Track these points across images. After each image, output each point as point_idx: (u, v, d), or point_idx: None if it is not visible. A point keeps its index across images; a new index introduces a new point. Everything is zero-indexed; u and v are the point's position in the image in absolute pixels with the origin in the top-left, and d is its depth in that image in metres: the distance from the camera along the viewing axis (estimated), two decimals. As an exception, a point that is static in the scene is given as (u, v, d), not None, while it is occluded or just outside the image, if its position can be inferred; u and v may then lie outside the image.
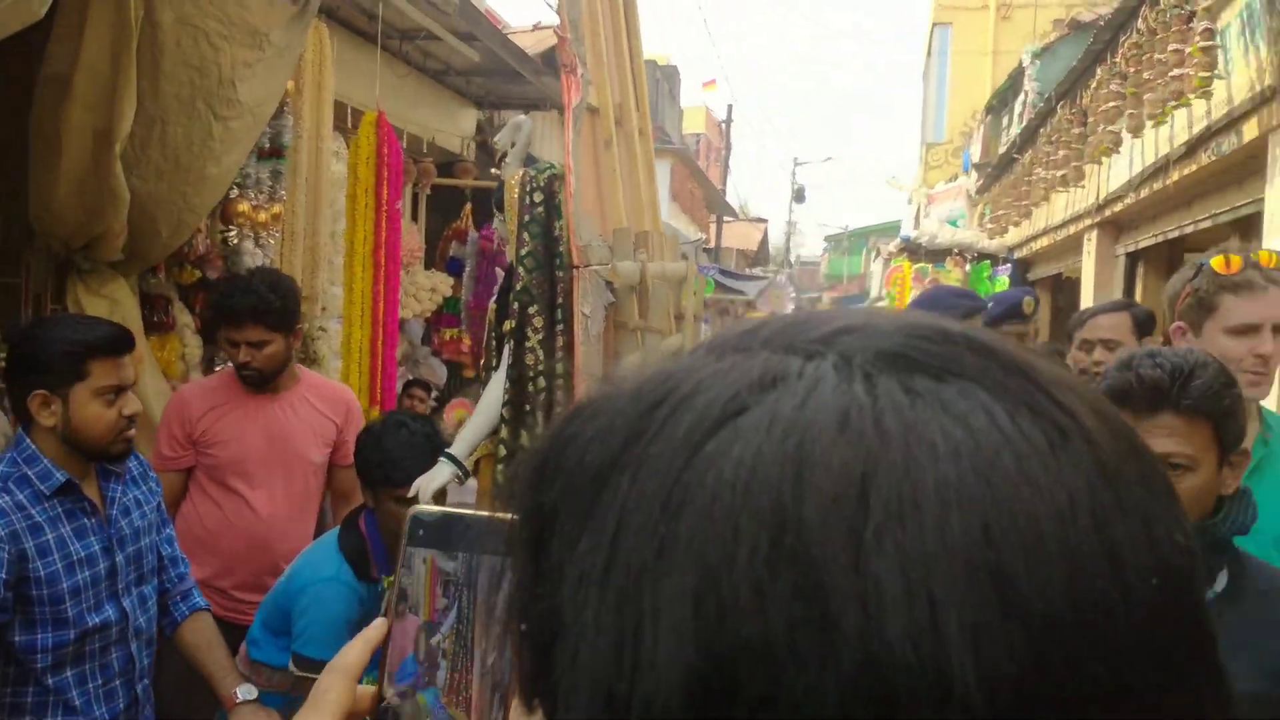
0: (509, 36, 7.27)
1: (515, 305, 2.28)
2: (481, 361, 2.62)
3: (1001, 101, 16.16)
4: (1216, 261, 2.06)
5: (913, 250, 13.19)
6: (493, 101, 7.46)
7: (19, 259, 4.10)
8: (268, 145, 4.36)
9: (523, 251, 2.30)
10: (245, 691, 2.20)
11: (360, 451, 2.47)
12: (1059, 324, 13.18)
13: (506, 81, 6.99)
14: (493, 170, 5.54)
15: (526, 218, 2.31)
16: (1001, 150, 14.75)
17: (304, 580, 2.46)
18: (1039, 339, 10.91)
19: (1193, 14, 5.33)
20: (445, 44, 5.92)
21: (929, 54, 23.09)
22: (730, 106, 23.63)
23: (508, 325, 2.31)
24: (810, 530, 0.27)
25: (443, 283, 6.46)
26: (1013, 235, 12.55)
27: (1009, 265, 12.92)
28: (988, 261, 12.96)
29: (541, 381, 2.25)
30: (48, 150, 3.28)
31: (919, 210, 19.55)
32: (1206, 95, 5.36)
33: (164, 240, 3.88)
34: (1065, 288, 12.56)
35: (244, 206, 4.28)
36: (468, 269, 6.70)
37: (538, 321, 2.24)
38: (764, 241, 29.59)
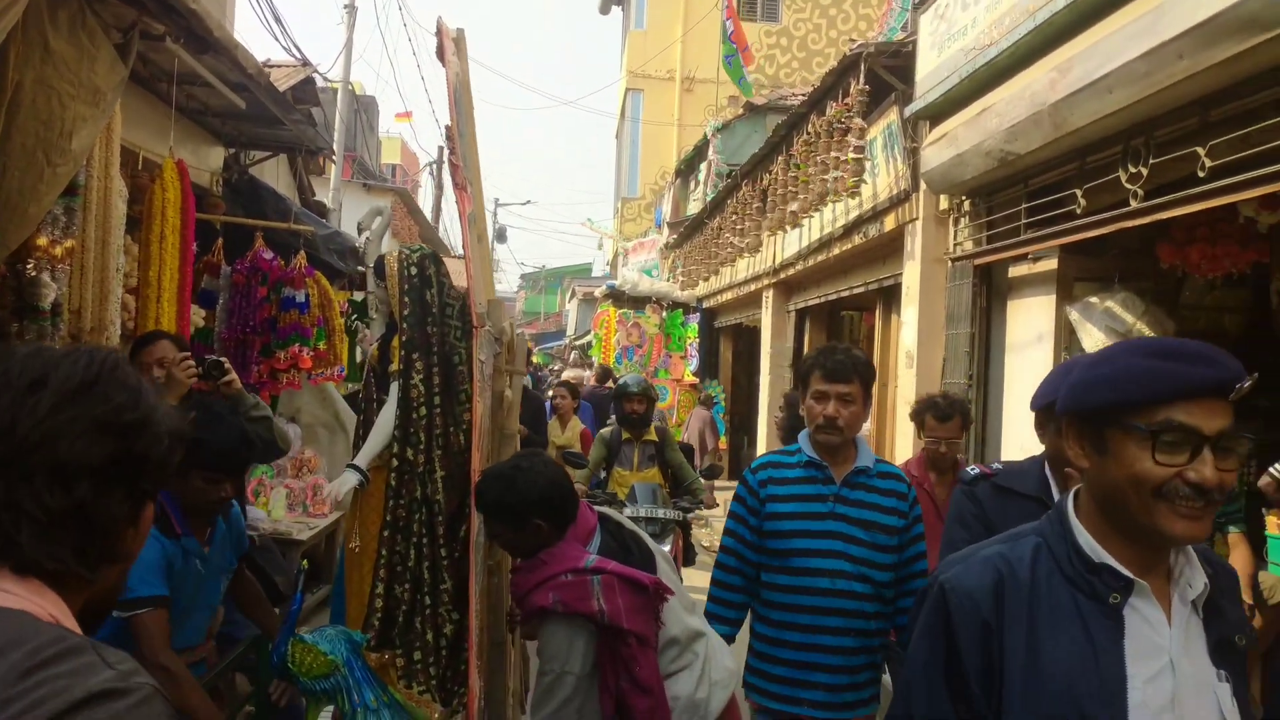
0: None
1: (402, 352, 2.95)
2: (361, 394, 3.24)
3: (689, 167, 18.09)
4: None
5: (617, 297, 14.49)
6: (243, 141, 7.71)
7: None
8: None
9: (405, 312, 2.97)
10: None
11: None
12: (739, 364, 15.03)
13: (261, 125, 7.30)
14: (356, 245, 6.06)
15: (406, 286, 2.99)
16: (691, 211, 16.55)
17: None
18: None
19: (848, 129, 6.84)
20: (209, 88, 6.22)
21: (622, 116, 25.00)
22: (442, 149, 24.24)
23: (393, 367, 3.00)
24: None
25: (195, 314, 6.63)
26: (701, 288, 14.21)
27: (698, 313, 14.58)
28: (681, 309, 14.52)
29: (424, 410, 2.91)
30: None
31: (618, 259, 21.14)
32: (855, 194, 6.88)
33: (-30, 272, 4.07)
34: (745, 334, 14.42)
35: (43, 240, 4.47)
36: (221, 301, 6.90)
37: (419, 364, 2.91)
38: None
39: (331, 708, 2.83)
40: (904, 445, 6.84)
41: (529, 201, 64.99)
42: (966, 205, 6.22)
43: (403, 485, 2.93)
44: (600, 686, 2.60)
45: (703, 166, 16.70)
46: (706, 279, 13.72)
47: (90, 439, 0.95)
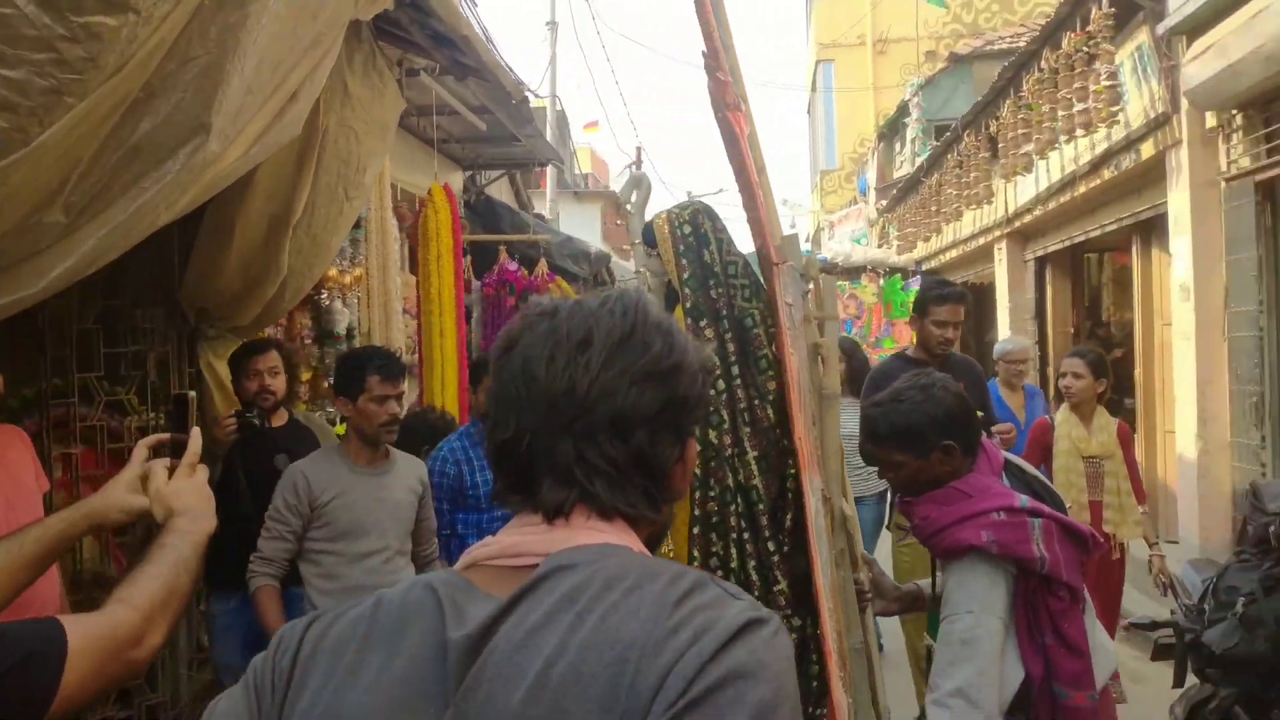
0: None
1: (688, 320, 2.64)
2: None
3: (891, 129, 17.54)
4: None
5: (829, 270, 14.26)
6: (479, 163, 8.11)
7: (137, 329, 4.53)
8: (349, 218, 4.98)
9: (684, 276, 2.65)
10: None
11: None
12: (966, 324, 14.46)
13: (493, 145, 7.65)
14: (618, 222, 6.25)
15: (681, 248, 2.66)
16: (898, 173, 16.05)
17: None
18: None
19: (1092, 56, 6.42)
20: (454, 116, 6.56)
21: (813, 89, 24.55)
22: (639, 149, 24.81)
23: None
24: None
25: (457, 330, 7.03)
26: (920, 249, 13.75)
27: (918, 276, 14.11)
28: (899, 275, 14.11)
29: (721, 384, 2.57)
30: (220, 235, 3.83)
31: (819, 234, 20.82)
32: (1113, 123, 6.45)
33: (284, 305, 4.46)
34: (971, 292, 13.85)
35: (333, 271, 4.87)
36: (475, 315, 7.30)
37: (709, 333, 2.59)
38: (674, 272, 30.91)
39: None
40: (1186, 389, 6.35)
41: (721, 190, 64.60)
42: (1239, 120, 5.71)
43: (710, 474, 2.54)
44: (1023, 643, 2.28)
45: (908, 125, 16.15)
46: (926, 239, 13.26)
47: (640, 389, 0.99)
